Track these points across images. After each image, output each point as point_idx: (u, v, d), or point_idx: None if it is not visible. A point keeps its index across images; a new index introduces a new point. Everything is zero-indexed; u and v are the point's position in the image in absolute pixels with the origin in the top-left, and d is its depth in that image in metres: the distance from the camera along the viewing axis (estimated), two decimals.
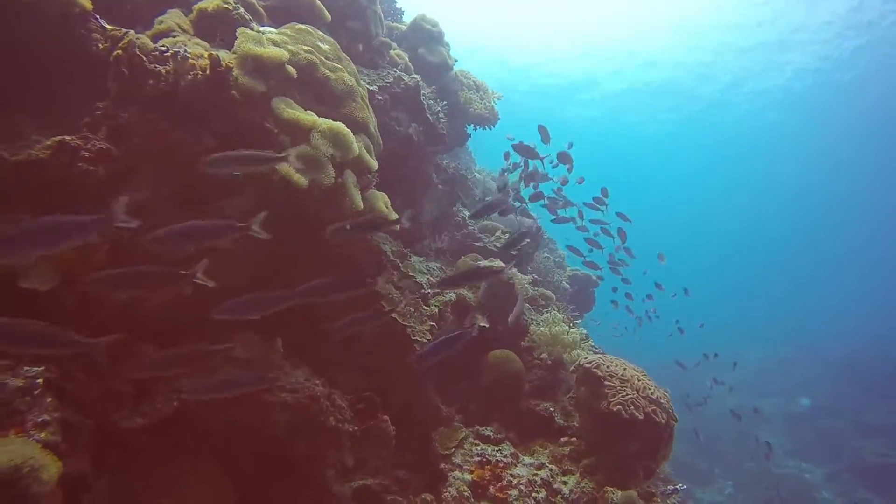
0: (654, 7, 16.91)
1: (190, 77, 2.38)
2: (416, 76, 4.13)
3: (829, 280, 40.56)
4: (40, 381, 2.15)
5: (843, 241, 40.43)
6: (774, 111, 23.68)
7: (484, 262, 4.41)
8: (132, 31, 2.40)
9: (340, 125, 2.57)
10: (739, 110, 23.96)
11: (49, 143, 2.26)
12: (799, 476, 11.61)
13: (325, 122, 2.52)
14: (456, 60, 5.32)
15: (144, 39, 2.47)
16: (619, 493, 2.98)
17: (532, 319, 4.42)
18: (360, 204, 2.73)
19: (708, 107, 23.78)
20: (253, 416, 2.66)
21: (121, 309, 2.31)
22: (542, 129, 4.94)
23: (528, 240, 5.08)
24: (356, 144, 2.65)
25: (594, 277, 7.97)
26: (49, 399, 2.15)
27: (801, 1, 15.62)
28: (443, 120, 4.37)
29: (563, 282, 7.58)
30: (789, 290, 39.10)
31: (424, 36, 5.07)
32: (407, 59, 4.27)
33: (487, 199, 5.49)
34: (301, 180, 2.39)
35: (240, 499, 2.65)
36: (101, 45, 2.49)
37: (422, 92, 4.13)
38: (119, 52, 2.29)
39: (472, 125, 5.60)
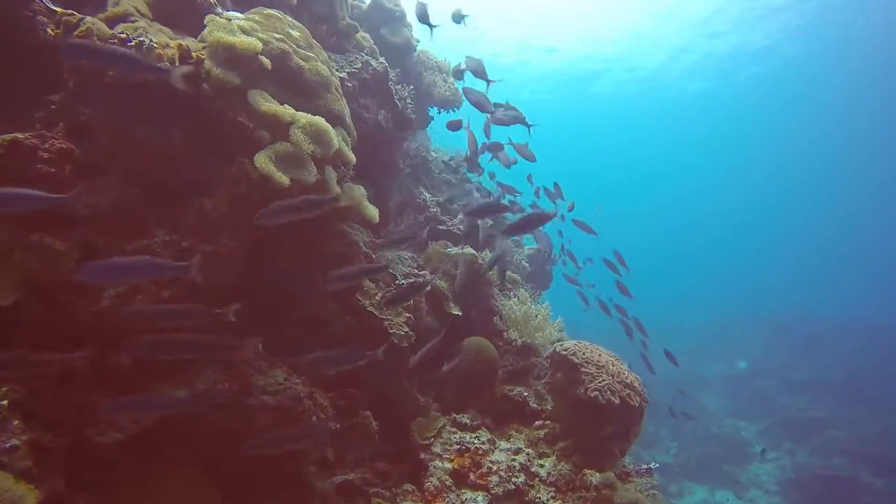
0: None
1: None
2: (383, 61, 3.99)
3: (766, 249, 43.05)
4: (5, 402, 2.01)
5: (780, 214, 43.01)
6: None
7: (454, 249, 4.40)
8: (89, 17, 2.18)
9: (320, 119, 2.45)
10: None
11: None
12: (736, 434, 12.55)
13: (304, 117, 2.40)
14: (419, 41, 5.18)
15: (100, 25, 2.25)
16: (598, 474, 3.10)
17: (502, 305, 4.47)
18: (342, 201, 2.65)
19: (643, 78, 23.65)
20: (235, 421, 2.59)
21: (93, 318, 2.16)
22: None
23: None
24: (336, 139, 2.55)
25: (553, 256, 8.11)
26: (16, 421, 2.01)
27: None
28: (410, 105, 4.27)
29: (523, 261, 7.68)
30: (729, 259, 41.24)
31: (386, 15, 4.89)
32: (372, 41, 4.12)
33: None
34: (283, 179, 2.28)
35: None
36: (49, 31, 2.25)
37: (389, 77, 4.01)
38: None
39: (437, 108, 5.51)
